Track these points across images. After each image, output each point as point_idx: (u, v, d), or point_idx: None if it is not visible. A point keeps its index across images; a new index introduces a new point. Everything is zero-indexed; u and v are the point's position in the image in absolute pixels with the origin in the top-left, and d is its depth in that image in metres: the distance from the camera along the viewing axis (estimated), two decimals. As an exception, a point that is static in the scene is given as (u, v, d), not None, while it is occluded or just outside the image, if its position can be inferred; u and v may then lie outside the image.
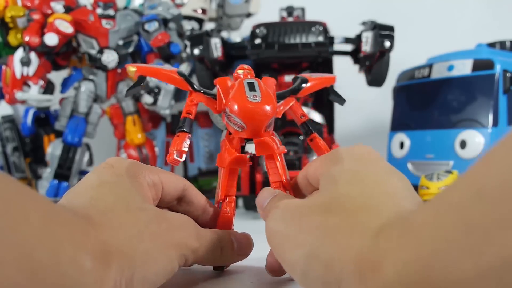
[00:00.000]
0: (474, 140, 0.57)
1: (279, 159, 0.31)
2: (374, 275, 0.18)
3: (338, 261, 0.19)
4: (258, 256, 0.30)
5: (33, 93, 0.57)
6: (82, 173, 0.62)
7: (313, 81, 0.35)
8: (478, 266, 0.15)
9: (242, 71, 0.32)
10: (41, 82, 0.58)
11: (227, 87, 0.31)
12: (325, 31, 0.57)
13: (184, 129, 0.30)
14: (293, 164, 0.55)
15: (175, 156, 0.29)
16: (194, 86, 0.33)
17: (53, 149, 0.60)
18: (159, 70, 0.33)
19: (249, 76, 0.32)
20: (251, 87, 0.30)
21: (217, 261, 0.30)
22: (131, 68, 0.33)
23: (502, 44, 0.65)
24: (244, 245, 0.31)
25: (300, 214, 0.23)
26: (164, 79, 0.33)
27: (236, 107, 0.29)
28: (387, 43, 0.55)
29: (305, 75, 0.36)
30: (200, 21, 0.75)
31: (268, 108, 0.29)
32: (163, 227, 0.25)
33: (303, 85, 0.35)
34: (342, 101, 0.37)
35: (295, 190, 0.31)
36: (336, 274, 0.19)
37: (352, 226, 0.20)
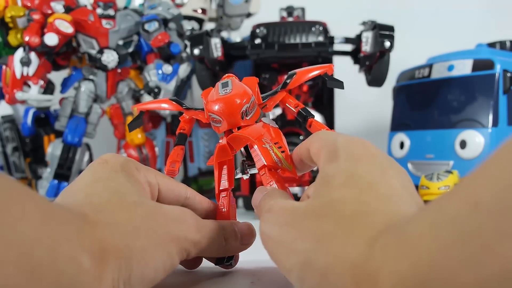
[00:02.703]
0: (474, 140, 0.57)
1: (266, 142, 0.31)
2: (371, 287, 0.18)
3: (334, 270, 0.19)
4: (258, 256, 0.30)
5: (33, 93, 0.57)
6: (82, 173, 0.62)
7: (301, 71, 0.35)
8: (477, 277, 0.14)
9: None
10: (41, 82, 0.58)
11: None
12: (325, 31, 0.57)
13: (178, 143, 0.34)
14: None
15: (170, 167, 0.33)
16: (184, 105, 0.35)
17: (53, 149, 0.60)
18: (154, 102, 0.38)
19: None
20: (224, 85, 0.31)
21: (221, 251, 0.29)
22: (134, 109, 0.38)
23: (502, 44, 0.65)
24: (246, 235, 0.30)
25: (294, 219, 0.22)
26: (161, 108, 0.37)
27: (210, 103, 0.30)
28: (387, 43, 0.55)
29: (297, 69, 0.36)
30: (200, 21, 0.75)
31: (238, 95, 0.30)
32: (159, 222, 0.25)
33: (289, 80, 0.34)
34: (340, 84, 0.35)
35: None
36: (331, 284, 0.19)
37: (346, 234, 0.20)
